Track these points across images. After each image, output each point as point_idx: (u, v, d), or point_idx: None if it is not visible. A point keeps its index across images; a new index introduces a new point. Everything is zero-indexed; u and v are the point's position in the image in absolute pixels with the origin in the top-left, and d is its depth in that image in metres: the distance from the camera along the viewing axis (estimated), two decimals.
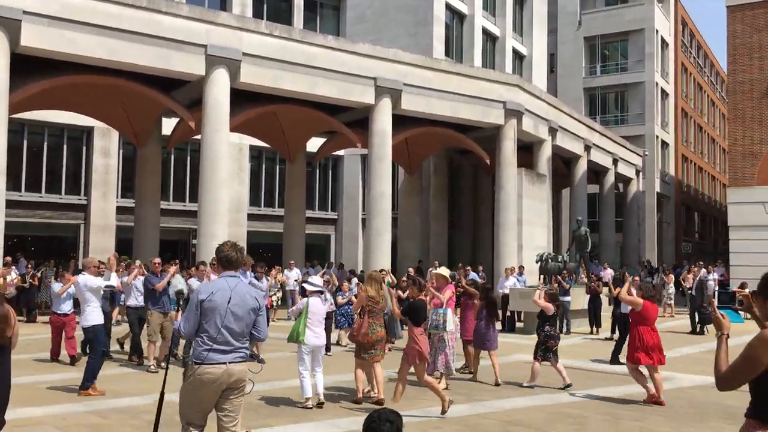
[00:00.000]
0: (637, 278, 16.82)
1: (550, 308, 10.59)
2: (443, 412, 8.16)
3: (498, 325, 12.38)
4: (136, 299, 12.11)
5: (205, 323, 4.97)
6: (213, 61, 18.90)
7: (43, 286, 19.92)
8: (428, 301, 9.82)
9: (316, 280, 8.98)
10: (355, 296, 10.25)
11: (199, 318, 5.00)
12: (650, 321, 9.65)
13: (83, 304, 9.61)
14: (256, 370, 5.21)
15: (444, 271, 10.62)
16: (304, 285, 8.97)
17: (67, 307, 11.94)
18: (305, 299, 8.75)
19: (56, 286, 12.15)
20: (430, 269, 19.04)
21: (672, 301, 24.28)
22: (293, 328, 8.65)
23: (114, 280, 10.51)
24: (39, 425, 7.62)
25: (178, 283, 11.95)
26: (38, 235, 27.22)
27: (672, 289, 24.46)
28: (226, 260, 5.24)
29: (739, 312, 4.18)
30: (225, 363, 4.91)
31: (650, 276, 29.43)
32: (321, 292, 8.77)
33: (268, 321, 8.62)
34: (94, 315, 9.49)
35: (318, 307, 8.64)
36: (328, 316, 13.59)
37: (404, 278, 17.85)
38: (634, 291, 10.67)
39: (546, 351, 10.42)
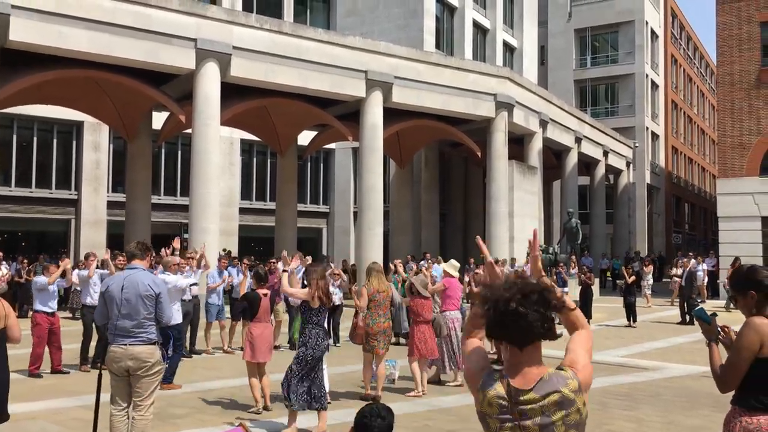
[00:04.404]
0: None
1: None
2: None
3: None
4: (92, 297, 10.69)
5: (109, 312, 5.69)
6: (203, 55, 18.85)
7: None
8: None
9: None
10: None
11: (105, 307, 5.72)
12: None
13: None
14: None
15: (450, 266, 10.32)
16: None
17: (54, 304, 10.46)
18: None
19: (41, 279, 10.30)
20: (425, 263, 18.73)
21: (650, 292, 24.27)
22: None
23: (197, 278, 11.32)
24: (33, 420, 7.64)
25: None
26: (29, 230, 27.12)
27: (651, 280, 24.52)
28: (128, 254, 6.04)
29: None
30: (126, 345, 5.62)
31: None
32: None
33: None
34: (177, 314, 9.73)
35: None
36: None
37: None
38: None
39: None
